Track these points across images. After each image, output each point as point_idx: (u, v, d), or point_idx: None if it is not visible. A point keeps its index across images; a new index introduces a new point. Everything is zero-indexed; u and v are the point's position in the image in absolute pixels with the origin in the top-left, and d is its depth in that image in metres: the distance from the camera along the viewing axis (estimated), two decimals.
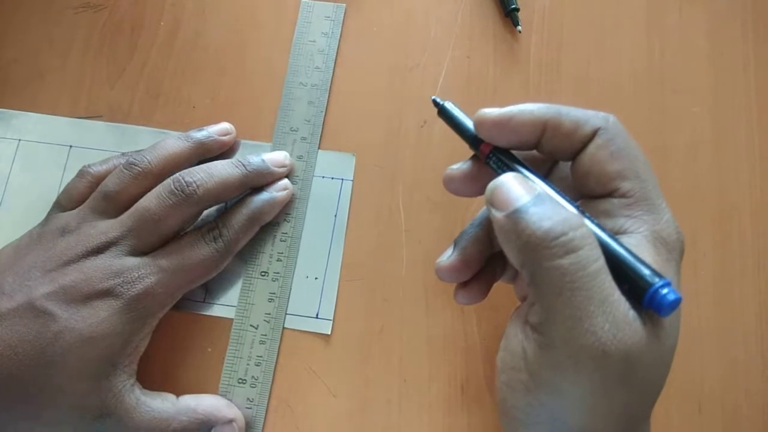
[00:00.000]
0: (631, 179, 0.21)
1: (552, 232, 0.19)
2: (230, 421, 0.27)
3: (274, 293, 0.30)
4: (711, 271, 0.31)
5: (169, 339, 0.30)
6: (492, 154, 0.23)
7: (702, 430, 0.29)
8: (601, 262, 0.19)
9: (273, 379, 0.29)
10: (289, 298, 0.30)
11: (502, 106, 0.23)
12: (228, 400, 0.28)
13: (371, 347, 0.30)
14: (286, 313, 0.30)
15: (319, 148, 0.33)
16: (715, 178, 0.33)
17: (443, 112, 0.26)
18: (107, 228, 0.27)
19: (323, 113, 0.33)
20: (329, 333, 0.30)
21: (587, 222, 0.21)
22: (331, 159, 0.33)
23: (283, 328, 0.30)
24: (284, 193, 0.31)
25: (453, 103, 0.26)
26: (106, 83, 0.34)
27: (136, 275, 0.26)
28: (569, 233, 0.19)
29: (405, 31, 0.35)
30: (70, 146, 0.33)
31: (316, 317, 0.30)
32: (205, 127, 0.31)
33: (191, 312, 0.30)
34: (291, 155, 0.32)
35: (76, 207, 0.29)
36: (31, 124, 0.33)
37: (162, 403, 0.27)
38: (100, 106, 0.34)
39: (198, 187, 0.28)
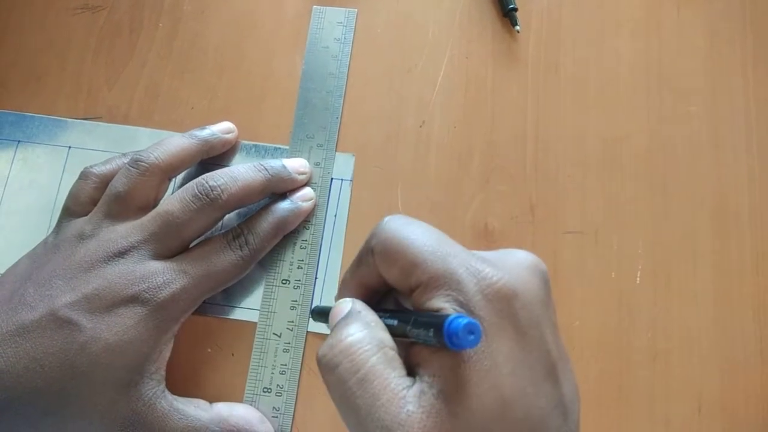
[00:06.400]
0: (411, 272, 0.20)
1: (318, 353, 0.21)
2: None
3: (296, 301, 0.30)
4: (709, 271, 0.31)
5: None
6: None
7: (701, 430, 0.29)
8: (365, 370, 0.19)
9: (298, 387, 0.29)
10: (311, 305, 0.30)
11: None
12: (260, 412, 0.28)
13: None
14: (309, 320, 0.30)
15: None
16: (714, 178, 0.33)
17: (313, 313, 0.29)
18: (127, 232, 0.27)
19: (339, 119, 0.33)
20: (329, 333, 0.30)
21: (357, 335, 0.21)
22: None
23: (307, 333, 0.30)
24: (309, 203, 0.31)
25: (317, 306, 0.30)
26: (105, 84, 0.34)
27: (161, 281, 0.26)
28: (328, 353, 0.20)
29: (403, 32, 0.35)
30: (69, 147, 0.33)
31: None
32: (207, 126, 0.31)
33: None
34: (308, 162, 0.32)
35: (87, 210, 0.29)
36: (30, 125, 0.33)
37: (195, 410, 0.26)
38: (98, 107, 0.34)
39: (222, 191, 0.28)
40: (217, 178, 0.28)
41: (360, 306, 0.22)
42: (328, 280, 0.31)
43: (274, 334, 0.30)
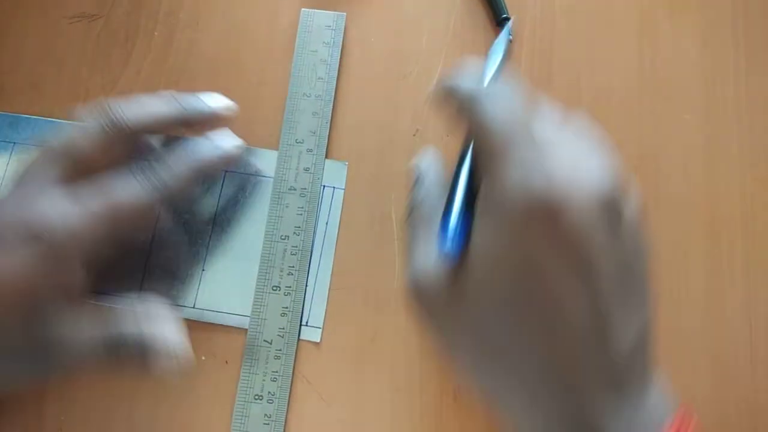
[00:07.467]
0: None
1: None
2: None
3: (286, 307, 0.30)
4: (701, 278, 0.31)
5: None
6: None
7: None
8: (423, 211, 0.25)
9: (290, 394, 0.29)
10: (302, 312, 0.30)
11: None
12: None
13: (363, 356, 0.30)
14: (300, 326, 0.30)
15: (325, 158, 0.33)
16: (706, 187, 0.33)
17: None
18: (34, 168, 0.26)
19: (328, 124, 0.33)
20: (318, 341, 0.30)
21: None
22: None
23: (298, 340, 0.30)
24: (230, 144, 0.29)
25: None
26: (101, 92, 0.34)
27: (58, 214, 0.24)
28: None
29: (398, 39, 0.35)
30: None
31: (306, 324, 0.30)
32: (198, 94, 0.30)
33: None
34: (297, 167, 0.32)
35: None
36: (26, 127, 0.33)
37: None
38: None
39: (128, 118, 0.27)
40: (122, 104, 0.27)
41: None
42: (318, 287, 0.31)
43: (264, 341, 0.30)
